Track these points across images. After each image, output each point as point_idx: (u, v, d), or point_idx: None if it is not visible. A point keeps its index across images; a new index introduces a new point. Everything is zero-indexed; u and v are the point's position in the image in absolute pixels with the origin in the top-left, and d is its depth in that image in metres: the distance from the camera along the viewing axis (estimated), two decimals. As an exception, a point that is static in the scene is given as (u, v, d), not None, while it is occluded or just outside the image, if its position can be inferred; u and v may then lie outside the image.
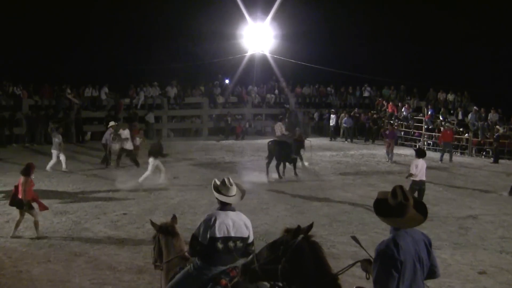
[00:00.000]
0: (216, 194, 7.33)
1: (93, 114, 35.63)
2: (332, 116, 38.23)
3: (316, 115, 40.75)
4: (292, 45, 38.90)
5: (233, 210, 7.32)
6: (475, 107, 35.70)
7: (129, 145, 25.11)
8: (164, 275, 7.84)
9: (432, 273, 5.74)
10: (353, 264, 5.95)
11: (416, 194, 18.08)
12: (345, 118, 37.46)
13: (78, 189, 20.53)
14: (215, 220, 7.07)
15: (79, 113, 34.19)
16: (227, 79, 41.93)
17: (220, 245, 7.02)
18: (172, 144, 30.75)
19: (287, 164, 23.98)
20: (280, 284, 5.83)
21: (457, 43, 42.31)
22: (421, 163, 18.24)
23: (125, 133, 25.22)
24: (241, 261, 7.29)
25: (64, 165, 24.10)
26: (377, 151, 31.89)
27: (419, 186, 18.15)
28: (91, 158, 27.50)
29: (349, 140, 36.84)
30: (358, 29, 43.72)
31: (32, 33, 38.07)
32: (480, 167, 28.83)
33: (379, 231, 15.94)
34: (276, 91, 41.76)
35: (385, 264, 5.34)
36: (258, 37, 39.93)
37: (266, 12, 38.82)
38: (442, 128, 32.41)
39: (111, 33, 40.04)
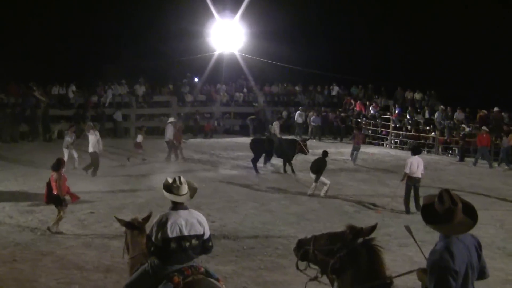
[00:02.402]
0: (166, 194, 7.34)
1: (61, 112, 35.25)
2: (299, 113, 38.36)
3: (284, 113, 40.88)
4: (261, 44, 38.94)
5: (186, 208, 7.33)
6: (441, 106, 36.03)
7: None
8: (129, 270, 7.87)
9: (482, 274, 5.61)
10: (409, 272, 5.87)
11: (412, 192, 18.44)
12: (313, 116, 37.62)
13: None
14: (166, 220, 7.08)
15: (46, 111, 33.79)
16: (195, 77, 41.90)
17: (173, 245, 7.02)
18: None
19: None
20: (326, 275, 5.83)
21: (425, 43, 42.74)
22: (416, 160, 18.40)
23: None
24: (198, 260, 7.39)
25: (76, 163, 24.05)
26: (345, 149, 32.06)
27: (413, 183, 18.32)
28: (59, 156, 27.18)
29: (317, 138, 36.98)
30: (326, 28, 43.94)
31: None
32: (446, 165, 29.18)
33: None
34: (245, 90, 41.86)
35: (441, 276, 5.14)
36: (227, 35, 39.87)
37: (234, 10, 38.79)
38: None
39: (78, 30, 39.77)
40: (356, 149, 28.67)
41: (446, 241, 5.31)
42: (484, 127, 30.06)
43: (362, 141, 30.41)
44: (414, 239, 5.92)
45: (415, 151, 19.24)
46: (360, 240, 5.60)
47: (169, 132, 27.06)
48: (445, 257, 5.17)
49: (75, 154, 24.25)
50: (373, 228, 5.71)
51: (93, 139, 23.04)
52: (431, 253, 5.34)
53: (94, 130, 23.61)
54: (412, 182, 18.31)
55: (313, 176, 20.41)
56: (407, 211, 18.27)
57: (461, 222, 5.33)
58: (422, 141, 34.72)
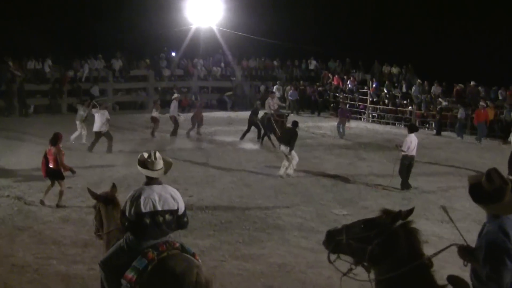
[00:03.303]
0: (140, 169, 7.35)
1: (37, 87, 34.92)
2: (277, 87, 38.34)
3: (262, 88, 40.83)
4: (238, 18, 38.78)
5: (160, 183, 7.35)
6: (418, 80, 36.26)
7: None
8: (105, 245, 7.88)
9: None
10: (444, 249, 5.73)
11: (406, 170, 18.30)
12: (291, 91, 37.63)
13: (22, 163, 20.19)
14: (139, 195, 7.11)
15: (22, 86, 33.44)
16: (173, 51, 41.64)
17: (147, 220, 7.04)
18: (118, 117, 30.43)
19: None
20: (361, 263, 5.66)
21: (402, 16, 42.74)
22: (414, 139, 18.13)
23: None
24: (174, 235, 7.45)
25: (84, 139, 23.88)
26: (323, 123, 32.18)
27: (409, 161, 18.14)
28: (35, 131, 27.00)
29: (294, 112, 37.00)
30: (303, 1, 43.74)
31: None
32: (423, 139, 29.29)
33: (323, 203, 16.24)
34: (222, 64, 41.73)
35: (498, 256, 5.11)
36: (204, 9, 39.59)
37: (212, -17, 38.65)
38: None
39: (54, 4, 39.29)
40: (342, 122, 28.80)
41: (498, 221, 5.28)
42: (482, 102, 30.02)
43: (349, 117, 30.21)
44: (450, 219, 5.91)
45: (412, 128, 19.00)
46: (399, 222, 5.52)
47: (173, 108, 27.09)
48: (500, 237, 5.16)
49: (84, 131, 23.99)
50: (410, 211, 5.64)
51: (97, 118, 22.73)
52: (485, 233, 5.31)
53: (98, 109, 23.34)
54: (408, 161, 18.12)
55: (284, 148, 19.49)
56: (407, 187, 18.12)
57: (511, 201, 5.26)
58: (399, 115, 34.94)
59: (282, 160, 19.69)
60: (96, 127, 22.60)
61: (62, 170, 15.15)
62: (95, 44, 37.90)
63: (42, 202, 14.98)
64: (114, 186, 8.36)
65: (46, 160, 15.12)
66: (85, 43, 37.67)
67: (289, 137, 19.62)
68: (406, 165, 18.11)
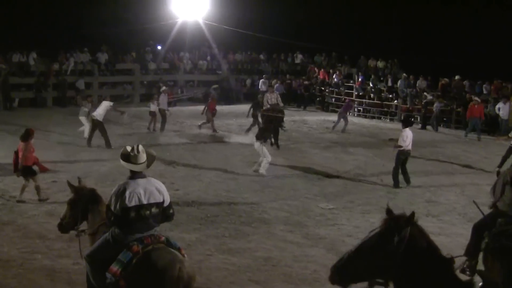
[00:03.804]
0: (123, 163, 7.31)
1: (22, 80, 34.69)
2: (263, 81, 38.31)
3: (248, 81, 40.84)
4: (225, 11, 38.71)
5: (144, 177, 7.32)
6: (404, 74, 36.38)
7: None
8: (91, 241, 7.84)
9: None
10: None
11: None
12: (277, 84, 37.59)
13: (6, 157, 20.02)
14: (124, 190, 7.09)
15: (7, 79, 33.18)
16: (159, 45, 41.52)
17: (133, 214, 7.04)
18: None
19: None
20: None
21: (388, 10, 42.86)
22: (409, 133, 17.61)
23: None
24: (160, 229, 7.42)
25: (86, 133, 23.63)
26: (309, 117, 32.21)
27: (405, 156, 17.63)
28: (20, 125, 26.78)
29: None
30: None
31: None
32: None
33: (309, 197, 16.26)
34: (209, 58, 41.68)
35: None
36: (190, 2, 39.48)
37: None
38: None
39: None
40: (343, 117, 28.53)
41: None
42: (476, 98, 29.79)
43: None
44: (482, 213, 5.89)
45: (407, 123, 18.46)
46: (409, 227, 5.01)
47: (162, 101, 26.90)
48: None
49: (87, 126, 23.81)
50: (413, 213, 5.12)
51: (101, 106, 22.70)
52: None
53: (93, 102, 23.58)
54: (404, 155, 17.58)
55: (257, 145, 18.95)
56: (396, 185, 17.58)
57: None
58: (385, 109, 35.05)
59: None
60: (98, 115, 22.53)
61: (21, 166, 14.86)
62: (80, 37, 37.68)
63: (20, 201, 14.78)
64: (79, 181, 8.31)
65: (17, 156, 14.98)
66: (70, 36, 37.43)
67: (261, 132, 19.43)
68: (402, 160, 17.61)
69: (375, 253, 4.98)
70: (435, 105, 31.00)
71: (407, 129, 17.72)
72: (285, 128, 24.78)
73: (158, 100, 27.00)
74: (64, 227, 8.37)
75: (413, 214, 5.09)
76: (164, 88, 28.24)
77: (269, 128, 20.21)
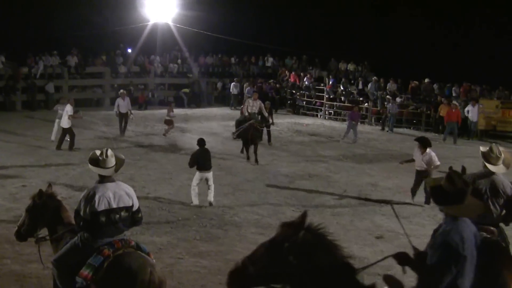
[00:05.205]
0: (91, 168, 7.33)
1: (-10, 84, 34.35)
2: (234, 84, 38.37)
3: (219, 84, 40.86)
4: (195, 14, 38.60)
5: (113, 181, 7.33)
6: (374, 77, 36.63)
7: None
8: (54, 247, 7.79)
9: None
10: (382, 259, 5.45)
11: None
12: (248, 88, 37.64)
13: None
14: (93, 194, 7.09)
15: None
16: (129, 48, 41.31)
17: (102, 218, 7.05)
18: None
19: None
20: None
21: (357, 13, 43.11)
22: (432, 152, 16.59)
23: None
24: (127, 232, 7.43)
25: (53, 135, 23.56)
26: (280, 120, 32.26)
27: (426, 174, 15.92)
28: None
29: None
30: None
31: None
32: (379, 136, 29.73)
33: (280, 199, 16.33)
34: (179, 61, 41.53)
35: (446, 257, 5.12)
36: (161, 5, 39.39)
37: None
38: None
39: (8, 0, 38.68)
40: (352, 126, 27.59)
41: (456, 223, 5.30)
42: (454, 102, 29.96)
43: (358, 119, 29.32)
44: (396, 216, 5.90)
45: (428, 143, 16.84)
46: (301, 232, 4.75)
47: (126, 104, 26.50)
48: (455, 240, 5.16)
49: (56, 127, 23.54)
50: (303, 215, 4.87)
51: (64, 113, 22.42)
52: (442, 233, 5.30)
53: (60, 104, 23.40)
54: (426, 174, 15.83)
55: (208, 174, 15.95)
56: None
57: (471, 203, 5.33)
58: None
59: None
60: (64, 123, 22.32)
61: None
62: (50, 40, 37.35)
63: None
64: (50, 186, 8.25)
65: None
66: (39, 39, 37.09)
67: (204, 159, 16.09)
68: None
69: (265, 261, 4.78)
70: (389, 106, 31.29)
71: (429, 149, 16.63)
72: (270, 143, 24.88)
73: (172, 111, 27.50)
74: (21, 235, 8.25)
75: (304, 216, 4.85)
76: (121, 91, 27.76)
77: (245, 137, 19.96)
